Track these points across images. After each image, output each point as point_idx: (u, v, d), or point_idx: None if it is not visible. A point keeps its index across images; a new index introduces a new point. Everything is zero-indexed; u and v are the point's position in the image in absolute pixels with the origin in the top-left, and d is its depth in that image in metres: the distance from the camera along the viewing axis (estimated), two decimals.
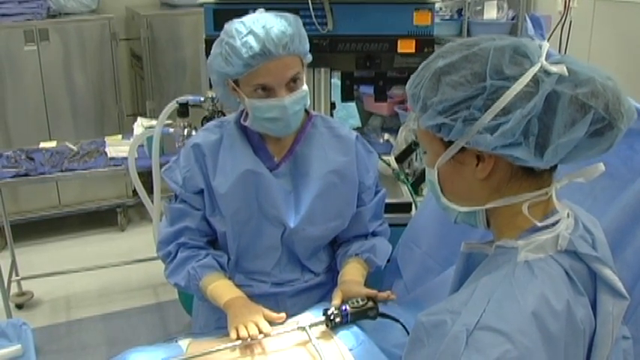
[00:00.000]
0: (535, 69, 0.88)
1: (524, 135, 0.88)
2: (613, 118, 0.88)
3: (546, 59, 0.90)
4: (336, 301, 1.45)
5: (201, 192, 1.57)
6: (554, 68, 0.88)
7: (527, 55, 0.90)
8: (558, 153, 0.89)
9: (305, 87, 1.51)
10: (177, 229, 1.58)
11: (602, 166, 0.96)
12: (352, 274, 1.57)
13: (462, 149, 0.94)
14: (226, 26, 1.47)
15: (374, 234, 1.68)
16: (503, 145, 0.89)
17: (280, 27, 1.42)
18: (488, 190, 0.96)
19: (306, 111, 1.63)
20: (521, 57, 0.89)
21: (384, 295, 1.45)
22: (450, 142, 0.94)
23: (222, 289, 1.51)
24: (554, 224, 0.95)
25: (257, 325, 1.37)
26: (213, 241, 1.65)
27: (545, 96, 0.87)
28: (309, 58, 1.55)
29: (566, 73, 0.88)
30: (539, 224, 0.93)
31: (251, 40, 1.40)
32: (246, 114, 1.54)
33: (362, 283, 1.55)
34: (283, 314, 1.45)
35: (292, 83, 1.47)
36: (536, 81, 0.88)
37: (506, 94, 0.87)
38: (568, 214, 0.98)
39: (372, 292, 1.45)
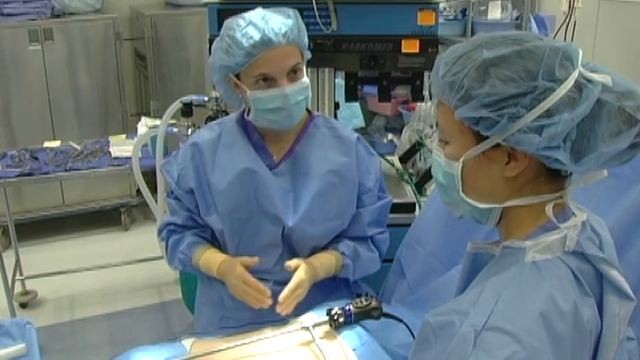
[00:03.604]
0: (575, 74, 0.88)
1: (563, 139, 0.88)
2: None
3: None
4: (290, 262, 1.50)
5: (191, 191, 1.60)
6: (596, 77, 0.88)
7: (571, 60, 0.89)
8: (600, 160, 0.90)
9: (306, 79, 1.52)
10: (168, 221, 1.66)
11: (604, 172, 0.96)
12: (319, 260, 1.56)
13: (495, 146, 0.92)
14: (226, 22, 1.50)
15: (372, 240, 1.67)
16: (546, 147, 0.88)
17: (279, 18, 1.46)
18: (511, 188, 0.96)
19: (308, 111, 1.64)
20: (566, 60, 0.89)
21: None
22: (484, 137, 0.93)
23: (208, 261, 1.58)
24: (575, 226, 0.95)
25: (246, 283, 1.48)
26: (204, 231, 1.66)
27: None
28: (309, 54, 1.56)
29: (611, 84, 0.88)
30: (562, 225, 0.93)
31: (251, 30, 1.44)
32: (249, 110, 1.55)
33: (317, 273, 1.53)
34: (256, 258, 1.52)
35: (293, 73, 1.49)
36: (578, 86, 0.88)
37: (552, 96, 0.87)
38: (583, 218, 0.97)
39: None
